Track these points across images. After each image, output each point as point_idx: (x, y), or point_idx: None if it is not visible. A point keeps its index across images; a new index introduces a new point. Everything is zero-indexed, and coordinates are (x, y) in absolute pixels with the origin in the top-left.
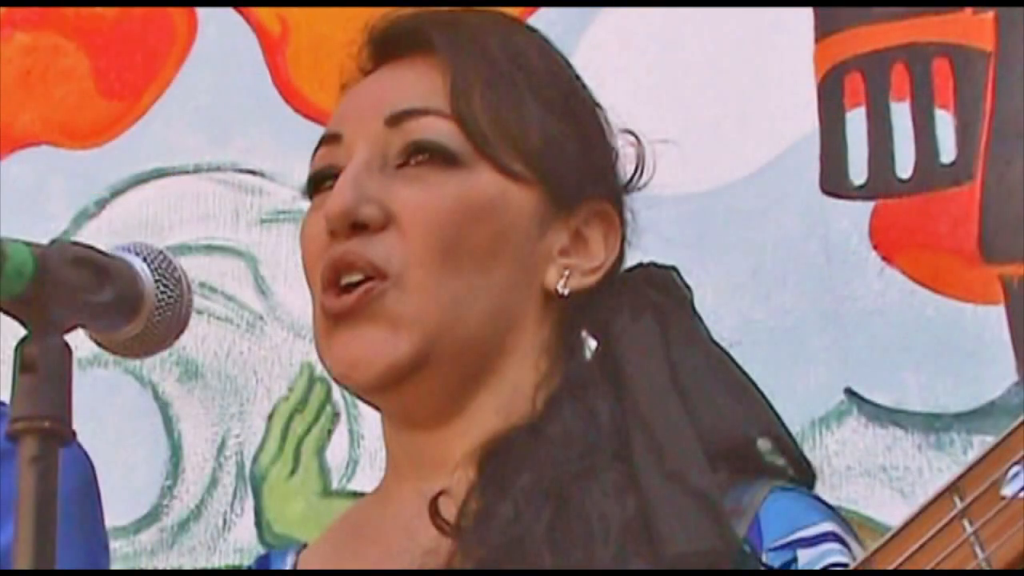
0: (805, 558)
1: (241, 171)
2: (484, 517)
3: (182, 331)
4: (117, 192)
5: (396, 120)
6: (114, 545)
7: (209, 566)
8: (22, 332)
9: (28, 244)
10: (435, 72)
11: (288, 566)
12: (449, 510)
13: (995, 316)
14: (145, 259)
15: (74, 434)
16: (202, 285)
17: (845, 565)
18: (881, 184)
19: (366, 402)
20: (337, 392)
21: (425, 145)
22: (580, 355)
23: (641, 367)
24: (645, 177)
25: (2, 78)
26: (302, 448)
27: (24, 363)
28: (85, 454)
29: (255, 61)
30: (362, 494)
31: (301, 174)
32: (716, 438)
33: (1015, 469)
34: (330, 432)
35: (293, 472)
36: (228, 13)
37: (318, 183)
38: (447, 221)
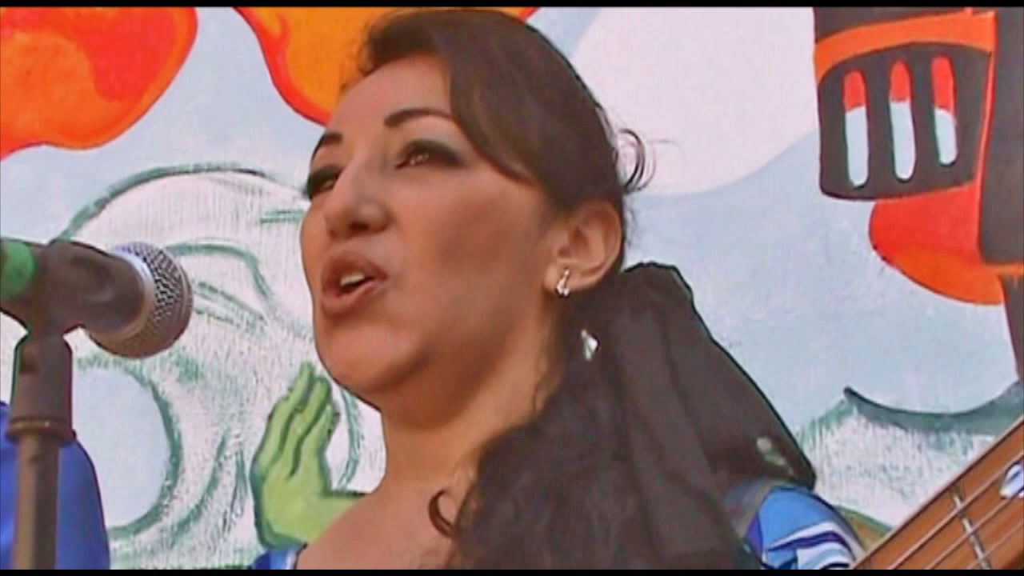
0: (805, 558)
1: (241, 171)
2: (484, 517)
3: (182, 331)
4: (117, 192)
5: (396, 120)
6: (114, 545)
7: (209, 566)
8: (22, 332)
9: (28, 244)
10: (435, 72)
11: (288, 566)
12: (449, 510)
13: (995, 316)
14: (145, 259)
15: (74, 434)
16: (202, 285)
17: (845, 565)
18: (881, 184)
19: (366, 402)
20: (337, 392)
21: (425, 145)
22: (580, 355)
23: (641, 367)
24: (645, 177)
25: (2, 78)
26: (302, 448)
27: (24, 363)
28: (85, 454)
29: (255, 61)
30: (362, 494)
31: (301, 174)
32: (716, 438)
33: (1015, 469)
34: (330, 432)
35: (293, 472)
36: (228, 13)
37: (318, 183)
38: (447, 221)
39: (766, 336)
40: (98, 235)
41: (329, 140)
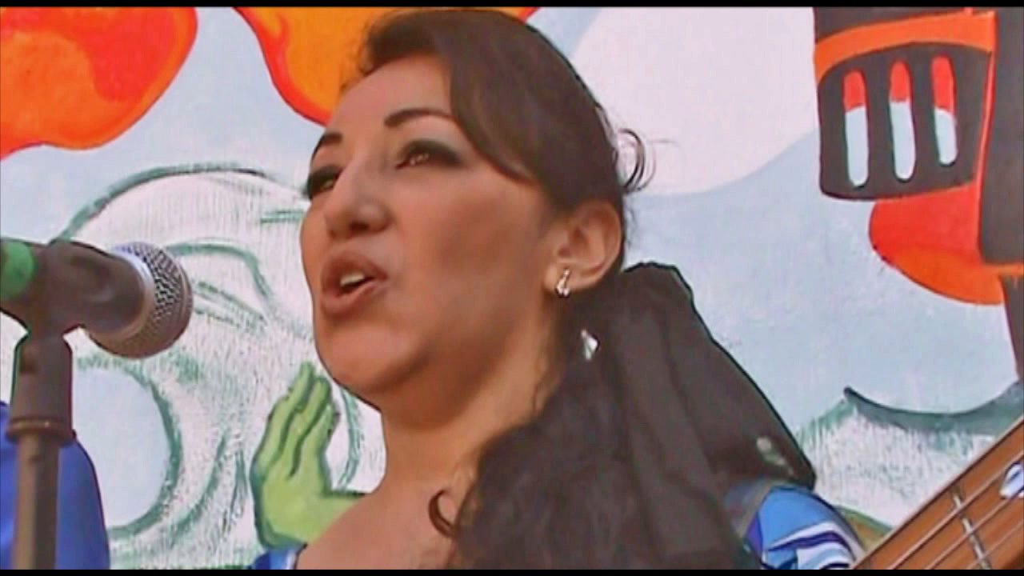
0: (805, 558)
1: (241, 171)
2: (484, 517)
3: (182, 331)
4: (117, 192)
5: (396, 120)
6: (114, 545)
7: (209, 566)
8: (22, 332)
9: (28, 244)
10: (435, 72)
11: (288, 566)
12: (449, 510)
13: (995, 316)
14: (145, 259)
15: (74, 434)
16: (202, 285)
17: (845, 565)
18: (881, 184)
19: (366, 402)
20: (337, 392)
21: (425, 145)
22: (580, 355)
23: (641, 367)
24: (645, 177)
25: (2, 78)
26: (302, 448)
27: (24, 363)
28: (85, 454)
29: (255, 61)
30: (362, 494)
31: (301, 174)
32: (716, 438)
33: (1015, 469)
34: (330, 432)
35: (293, 472)
36: (228, 13)
37: (318, 183)
38: (447, 221)
39: (766, 336)
40: (98, 235)
41: (329, 140)
